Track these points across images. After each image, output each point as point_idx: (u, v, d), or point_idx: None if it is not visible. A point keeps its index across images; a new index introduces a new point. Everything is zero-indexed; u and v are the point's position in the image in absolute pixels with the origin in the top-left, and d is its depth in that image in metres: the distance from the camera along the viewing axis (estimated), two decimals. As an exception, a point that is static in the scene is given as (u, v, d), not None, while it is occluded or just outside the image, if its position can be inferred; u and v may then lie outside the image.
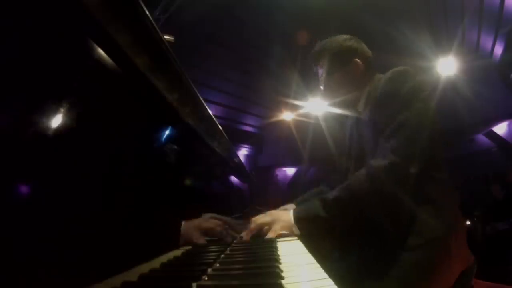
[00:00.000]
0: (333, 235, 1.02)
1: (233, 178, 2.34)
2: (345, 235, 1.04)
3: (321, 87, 1.22)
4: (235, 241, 0.96)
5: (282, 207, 1.30)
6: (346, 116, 1.28)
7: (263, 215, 1.01)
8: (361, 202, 0.91)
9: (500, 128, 7.17)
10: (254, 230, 0.97)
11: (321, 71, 1.21)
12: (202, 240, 0.86)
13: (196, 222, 0.90)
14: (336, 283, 0.45)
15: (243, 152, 8.81)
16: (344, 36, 1.19)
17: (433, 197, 0.94)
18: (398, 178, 0.88)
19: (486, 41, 5.82)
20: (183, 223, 0.84)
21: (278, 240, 0.92)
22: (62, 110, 0.48)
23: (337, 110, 1.23)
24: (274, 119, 8.26)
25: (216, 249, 0.79)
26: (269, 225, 0.96)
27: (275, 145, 9.03)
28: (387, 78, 1.02)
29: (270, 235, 0.93)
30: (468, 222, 3.41)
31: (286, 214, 0.97)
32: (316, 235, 0.97)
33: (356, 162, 1.12)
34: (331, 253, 1.10)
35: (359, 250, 1.02)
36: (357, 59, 1.15)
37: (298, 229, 0.94)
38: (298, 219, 0.95)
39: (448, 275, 0.91)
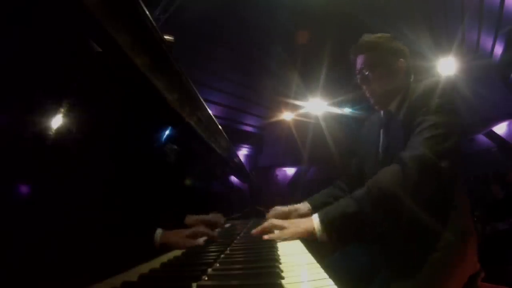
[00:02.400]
0: (361, 233, 0.99)
1: (233, 178, 2.34)
2: (371, 231, 0.99)
3: (358, 79, 1.18)
4: (235, 241, 0.96)
5: (291, 206, 1.27)
6: (373, 113, 1.27)
7: (283, 220, 0.98)
8: (393, 193, 0.87)
9: (500, 128, 7.18)
10: (265, 228, 0.94)
11: (362, 62, 1.17)
12: (189, 243, 0.82)
13: (177, 231, 0.84)
14: (343, 279, 0.45)
15: (243, 152, 8.81)
16: (391, 36, 1.19)
17: (456, 201, 0.96)
18: (429, 169, 0.88)
19: (486, 41, 5.82)
20: (163, 232, 0.77)
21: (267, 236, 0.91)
22: (62, 110, 0.48)
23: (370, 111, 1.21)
24: (274, 119, 8.27)
25: (216, 249, 0.79)
26: (281, 229, 0.92)
27: (275, 145, 9.04)
28: (424, 85, 1.03)
29: (275, 236, 0.89)
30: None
31: (307, 221, 0.90)
32: (345, 239, 0.94)
33: (383, 162, 1.09)
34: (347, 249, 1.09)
35: (382, 245, 1.02)
36: (402, 60, 1.15)
37: (326, 235, 0.87)
38: (325, 222, 0.87)
39: (461, 277, 0.92)
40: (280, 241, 0.88)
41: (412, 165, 0.87)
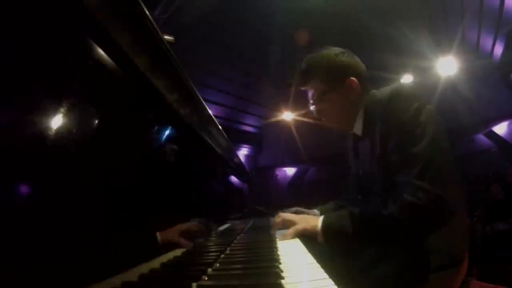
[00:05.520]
0: (357, 249, 0.94)
1: (233, 178, 2.34)
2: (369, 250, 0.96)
3: (313, 112, 1.07)
4: (235, 241, 0.96)
5: (301, 211, 1.22)
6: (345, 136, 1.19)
7: (293, 214, 1.00)
8: (390, 234, 0.84)
9: (500, 128, 7.18)
10: (279, 224, 0.96)
11: (311, 94, 1.05)
12: (186, 243, 0.83)
13: (175, 227, 0.87)
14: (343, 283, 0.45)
15: (243, 152, 8.80)
16: (335, 50, 1.03)
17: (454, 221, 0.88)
18: (422, 218, 0.81)
19: (486, 41, 5.83)
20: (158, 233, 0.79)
21: (278, 240, 0.92)
22: (62, 110, 0.48)
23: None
24: (274, 119, 8.26)
25: (216, 249, 0.79)
26: (294, 224, 0.93)
27: (275, 145, 9.03)
28: (387, 101, 0.90)
29: (289, 232, 0.90)
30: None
31: (314, 219, 0.92)
32: (340, 248, 0.92)
33: (361, 188, 1.06)
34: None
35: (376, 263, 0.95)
36: (352, 78, 0.99)
37: (323, 239, 0.88)
38: (325, 228, 0.88)
39: (459, 283, 0.92)
40: (288, 238, 0.89)
41: (404, 215, 0.80)
